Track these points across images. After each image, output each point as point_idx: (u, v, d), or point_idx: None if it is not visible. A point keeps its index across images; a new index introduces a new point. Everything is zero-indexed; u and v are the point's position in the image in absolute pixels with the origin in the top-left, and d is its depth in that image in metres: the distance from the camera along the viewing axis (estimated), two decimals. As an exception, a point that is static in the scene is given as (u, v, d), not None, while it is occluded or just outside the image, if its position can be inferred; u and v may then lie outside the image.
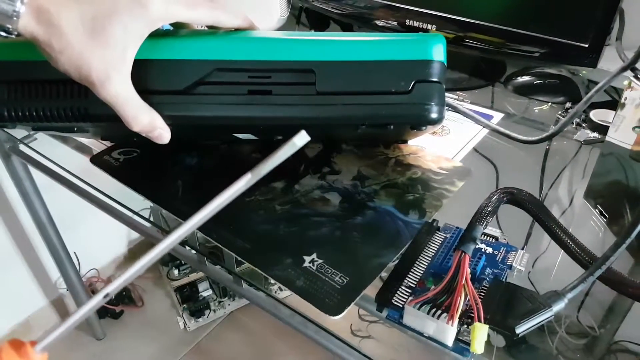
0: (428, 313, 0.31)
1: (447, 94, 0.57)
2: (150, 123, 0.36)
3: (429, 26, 0.61)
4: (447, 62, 0.38)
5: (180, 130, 0.37)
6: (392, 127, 0.39)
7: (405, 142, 0.50)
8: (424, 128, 0.39)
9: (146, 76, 0.35)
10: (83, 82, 0.33)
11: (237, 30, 0.39)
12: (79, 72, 0.32)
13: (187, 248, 0.57)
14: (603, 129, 0.52)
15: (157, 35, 0.34)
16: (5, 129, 0.71)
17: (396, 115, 0.37)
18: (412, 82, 0.36)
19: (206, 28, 0.40)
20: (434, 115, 0.37)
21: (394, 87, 0.36)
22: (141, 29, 0.33)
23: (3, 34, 0.32)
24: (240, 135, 0.45)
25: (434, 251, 0.36)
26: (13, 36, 0.32)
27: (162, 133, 0.37)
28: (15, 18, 0.31)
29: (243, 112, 0.37)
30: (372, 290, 0.34)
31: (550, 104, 0.60)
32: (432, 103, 0.36)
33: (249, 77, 0.37)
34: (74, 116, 0.38)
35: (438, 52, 0.37)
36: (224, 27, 0.39)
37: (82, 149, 0.54)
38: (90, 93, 0.35)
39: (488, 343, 0.29)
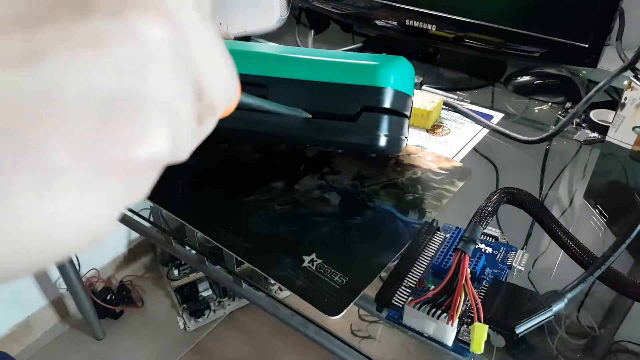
0: (428, 313, 0.30)
1: (447, 94, 0.58)
2: None
3: (429, 26, 0.61)
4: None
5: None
6: (340, 150, 0.38)
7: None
8: (373, 155, 0.38)
9: None
10: None
11: None
12: None
13: (187, 248, 0.57)
14: (603, 129, 0.51)
15: None
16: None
17: (342, 141, 0.36)
18: (359, 109, 0.35)
19: None
20: (381, 145, 0.36)
21: (341, 112, 0.35)
22: None
23: None
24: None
25: (434, 251, 0.36)
26: None
27: None
28: None
29: None
30: (371, 290, 0.34)
31: (550, 104, 0.60)
32: (379, 133, 0.35)
33: None
34: None
35: (394, 79, 0.35)
36: None
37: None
38: None
39: (488, 343, 0.29)
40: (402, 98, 0.36)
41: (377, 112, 0.35)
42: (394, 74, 0.36)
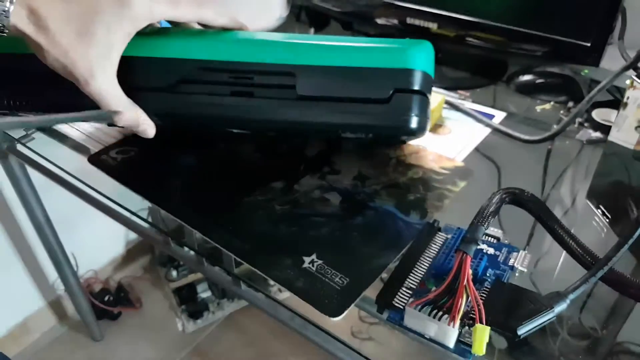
0: (429, 314, 0.30)
1: (449, 93, 0.57)
2: (134, 119, 0.37)
3: (431, 25, 0.61)
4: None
5: (170, 125, 0.38)
6: (370, 135, 0.39)
7: (403, 142, 0.50)
8: (405, 138, 0.38)
9: (132, 73, 0.36)
10: (68, 78, 0.35)
11: (225, 30, 0.40)
12: (64, 69, 0.34)
13: (186, 249, 0.57)
14: (605, 129, 0.51)
15: (148, 33, 0.35)
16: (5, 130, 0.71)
17: (374, 124, 0.37)
18: (391, 91, 0.36)
19: (199, 26, 0.41)
20: (412, 126, 0.36)
21: (372, 95, 0.36)
22: (126, 28, 0.35)
23: None
24: (234, 130, 0.45)
25: (435, 252, 0.36)
26: (5, 34, 0.34)
27: (146, 128, 0.38)
28: (5, 17, 0.33)
29: (224, 112, 0.38)
30: (372, 291, 0.34)
31: (552, 103, 0.60)
32: (411, 113, 0.36)
33: (230, 78, 0.37)
34: (67, 106, 0.39)
35: (420, 61, 0.36)
36: (212, 26, 0.39)
37: (79, 148, 0.54)
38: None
39: (490, 345, 0.29)
40: (428, 80, 0.37)
41: (408, 93, 0.36)
42: (423, 57, 0.36)
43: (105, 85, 0.35)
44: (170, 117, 0.38)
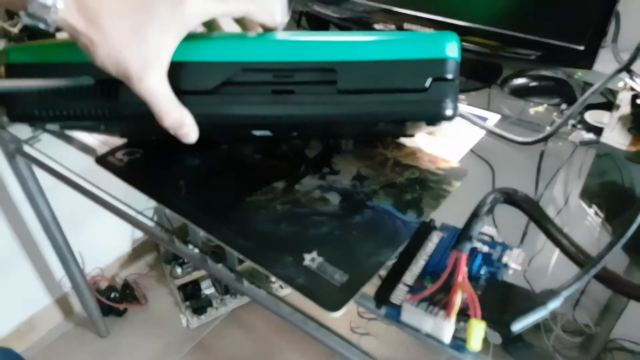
0: (426, 310, 0.31)
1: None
2: (180, 120, 0.36)
3: (427, 30, 0.62)
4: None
5: (205, 129, 0.38)
6: (408, 123, 0.40)
7: (412, 135, 0.51)
8: (438, 124, 0.40)
9: (177, 77, 0.36)
10: (120, 76, 0.33)
11: (263, 27, 0.40)
12: (117, 66, 0.33)
13: (190, 247, 0.58)
14: (598, 130, 0.52)
15: (187, 37, 0.35)
16: (9, 129, 0.72)
17: (413, 113, 0.38)
18: (429, 80, 0.37)
19: (236, 25, 0.41)
20: (449, 112, 0.38)
21: (411, 85, 0.37)
22: (180, 27, 0.34)
23: (42, 26, 0.32)
24: (256, 133, 0.46)
25: (432, 250, 0.37)
26: (51, 29, 0.32)
27: (189, 132, 0.37)
28: (53, 10, 0.31)
29: (267, 111, 0.38)
30: (371, 288, 0.35)
31: (546, 105, 0.60)
32: (448, 100, 0.37)
33: (273, 77, 0.38)
34: (104, 116, 0.39)
35: (452, 51, 0.37)
36: (252, 20, 0.39)
37: (86, 149, 0.55)
38: (120, 93, 0.36)
39: (485, 340, 0.29)
40: (458, 67, 0.38)
41: (444, 81, 0.37)
42: (456, 46, 0.38)
43: (158, 83, 0.34)
44: (212, 119, 0.39)
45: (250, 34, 0.40)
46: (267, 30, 0.40)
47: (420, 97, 0.37)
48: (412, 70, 0.37)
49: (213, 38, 0.37)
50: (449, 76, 0.37)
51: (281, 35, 0.39)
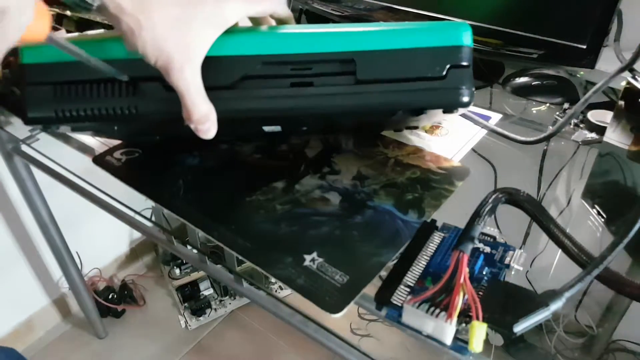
0: (427, 312, 0.31)
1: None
2: (206, 114, 0.36)
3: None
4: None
5: (222, 124, 0.38)
6: (425, 111, 0.40)
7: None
8: (455, 111, 0.40)
9: (202, 72, 0.36)
10: (159, 64, 0.33)
11: (281, 21, 0.41)
12: (159, 53, 0.33)
13: (189, 247, 0.57)
14: (601, 130, 0.52)
15: None
16: (5, 129, 0.72)
17: (432, 101, 0.38)
18: (447, 68, 0.37)
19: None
20: (466, 99, 0.38)
21: (429, 73, 0.37)
22: (220, 21, 0.35)
23: (85, 2, 0.32)
24: (266, 128, 0.46)
25: (433, 250, 0.37)
26: (94, 7, 0.32)
27: (210, 127, 0.37)
28: None
29: (286, 104, 0.38)
30: (371, 289, 0.35)
31: (548, 104, 0.60)
32: (464, 87, 0.37)
33: (291, 70, 0.38)
34: (123, 115, 0.38)
35: (467, 38, 0.38)
36: (274, 17, 0.40)
37: (84, 149, 0.54)
38: (139, 91, 0.36)
39: (486, 342, 0.29)
40: (472, 54, 0.38)
41: (461, 69, 0.38)
42: (470, 34, 0.38)
43: (194, 76, 0.34)
44: (233, 114, 0.38)
45: (266, 28, 0.40)
46: (284, 23, 0.41)
47: (438, 85, 0.37)
48: (430, 58, 0.37)
49: (232, 33, 0.37)
50: (465, 63, 0.37)
51: (298, 27, 0.40)
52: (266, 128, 0.46)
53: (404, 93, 0.38)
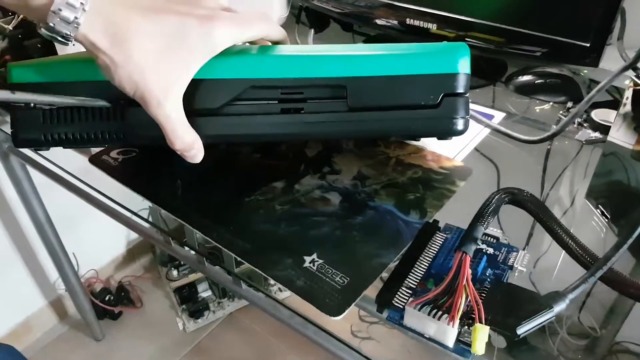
0: (429, 314, 0.30)
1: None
2: (190, 143, 0.36)
3: (430, 25, 0.61)
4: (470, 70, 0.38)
5: (212, 145, 0.38)
6: (418, 139, 0.41)
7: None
8: (449, 138, 0.39)
9: (186, 96, 0.35)
10: (137, 98, 0.33)
11: (276, 43, 0.40)
12: (136, 88, 0.32)
13: (187, 249, 0.57)
14: (604, 129, 0.51)
15: None
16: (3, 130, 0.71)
17: (425, 129, 0.38)
18: (441, 96, 0.36)
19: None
20: (460, 128, 0.37)
21: (422, 101, 0.37)
22: (205, 52, 0.34)
23: (60, 39, 0.31)
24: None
25: (435, 251, 0.36)
26: (70, 43, 0.32)
27: (196, 154, 0.37)
28: (75, 26, 0.30)
29: (276, 130, 0.38)
30: (372, 290, 0.34)
31: (551, 103, 0.60)
32: (459, 116, 0.37)
33: (281, 94, 0.37)
34: (110, 139, 0.38)
35: (464, 64, 0.37)
36: (267, 40, 0.39)
37: (81, 148, 0.54)
38: (126, 116, 0.36)
39: (489, 344, 0.29)
40: (469, 81, 0.38)
41: (455, 97, 0.37)
42: (466, 60, 0.37)
43: (175, 109, 0.34)
44: (220, 139, 0.38)
45: (256, 49, 0.39)
46: (277, 44, 0.40)
47: (431, 114, 0.37)
48: (423, 85, 0.36)
49: (222, 55, 0.36)
50: (460, 90, 0.37)
51: (289, 49, 0.39)
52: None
53: (395, 121, 0.37)
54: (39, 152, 0.66)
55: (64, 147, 0.44)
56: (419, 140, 0.47)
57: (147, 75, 0.32)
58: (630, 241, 0.32)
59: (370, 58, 0.37)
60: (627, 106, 0.44)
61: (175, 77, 0.33)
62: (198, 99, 0.36)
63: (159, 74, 0.32)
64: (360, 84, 0.36)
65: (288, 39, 0.41)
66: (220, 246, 0.39)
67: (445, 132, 0.38)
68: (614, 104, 0.52)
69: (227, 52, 0.37)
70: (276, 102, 0.37)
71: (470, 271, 0.31)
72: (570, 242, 0.35)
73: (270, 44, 0.40)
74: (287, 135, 0.38)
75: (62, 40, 0.31)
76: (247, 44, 0.40)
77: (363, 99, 0.37)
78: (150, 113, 0.33)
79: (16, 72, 0.38)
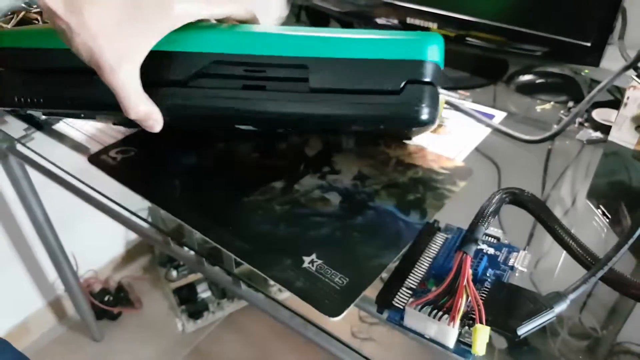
0: (429, 315, 0.30)
1: (448, 93, 0.57)
2: (146, 114, 0.37)
3: (431, 24, 0.61)
4: (445, 62, 0.37)
5: (179, 120, 0.38)
6: (382, 126, 0.39)
7: (409, 138, 0.50)
8: (414, 129, 0.39)
9: (148, 67, 0.36)
10: (92, 65, 0.34)
11: (241, 23, 0.40)
12: (91, 55, 0.33)
13: (186, 249, 0.57)
14: (606, 129, 0.51)
15: None
16: (3, 129, 0.71)
17: (386, 116, 0.37)
18: (403, 83, 0.36)
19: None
20: (424, 117, 0.36)
21: (384, 87, 0.36)
22: (163, 27, 0.34)
23: (23, 5, 0.34)
24: (241, 127, 0.45)
25: (435, 252, 0.36)
26: (31, 9, 0.34)
27: (153, 124, 0.38)
28: None
29: (237, 105, 0.38)
30: (372, 291, 0.34)
31: (552, 103, 0.60)
32: (423, 105, 0.36)
33: (244, 71, 0.37)
34: (80, 104, 0.40)
35: (433, 53, 0.36)
36: (233, 19, 0.40)
37: (79, 148, 0.54)
38: (93, 83, 0.36)
39: (490, 345, 0.29)
40: (438, 71, 0.37)
41: (420, 84, 0.36)
42: (435, 48, 0.37)
43: (129, 77, 0.34)
44: (181, 111, 0.38)
45: (223, 26, 0.39)
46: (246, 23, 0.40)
47: (393, 100, 0.36)
48: (385, 70, 0.36)
49: (184, 29, 0.37)
50: (426, 79, 0.36)
51: (256, 28, 0.39)
52: (241, 126, 0.45)
53: (356, 105, 0.37)
54: (35, 151, 0.66)
55: (43, 113, 0.47)
56: (391, 129, 0.45)
57: (100, 42, 0.33)
58: (631, 241, 0.32)
59: (333, 40, 0.37)
60: (628, 106, 0.44)
61: (130, 46, 0.34)
62: (160, 71, 0.37)
63: (113, 41, 0.33)
64: (322, 65, 0.36)
65: (258, 19, 0.41)
66: (219, 246, 0.39)
67: (407, 120, 0.37)
68: (615, 104, 0.52)
69: (193, 27, 0.37)
70: (239, 79, 0.37)
71: (470, 271, 0.31)
72: (571, 242, 0.35)
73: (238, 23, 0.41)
74: (248, 112, 0.38)
75: (24, 6, 0.34)
76: (215, 21, 0.40)
77: (325, 80, 0.36)
78: (104, 80, 0.34)
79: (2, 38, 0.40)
